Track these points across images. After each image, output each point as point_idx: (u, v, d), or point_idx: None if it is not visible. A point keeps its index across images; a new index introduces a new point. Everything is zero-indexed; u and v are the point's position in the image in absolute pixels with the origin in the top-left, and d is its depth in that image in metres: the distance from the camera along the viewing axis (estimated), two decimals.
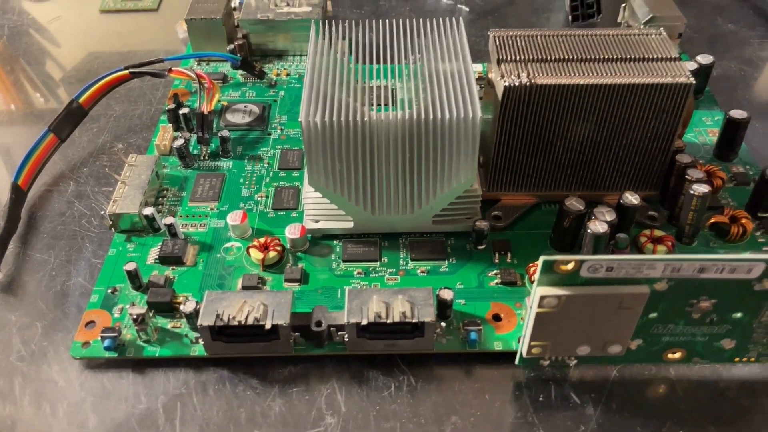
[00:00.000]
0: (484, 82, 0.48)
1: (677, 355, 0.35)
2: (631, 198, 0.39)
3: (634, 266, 0.30)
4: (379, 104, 0.40)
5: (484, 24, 0.66)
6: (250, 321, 0.35)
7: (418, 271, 0.41)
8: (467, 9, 0.68)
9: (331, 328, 0.36)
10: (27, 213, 0.46)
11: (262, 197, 0.46)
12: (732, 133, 0.46)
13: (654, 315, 0.33)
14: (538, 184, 0.43)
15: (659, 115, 0.40)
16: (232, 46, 0.56)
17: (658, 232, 0.41)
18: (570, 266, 0.30)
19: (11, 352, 0.37)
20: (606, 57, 0.40)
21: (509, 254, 0.41)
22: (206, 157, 0.49)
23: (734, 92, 0.56)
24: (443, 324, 0.37)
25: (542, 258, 0.30)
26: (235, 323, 0.35)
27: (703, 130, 0.50)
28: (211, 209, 0.45)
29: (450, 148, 0.38)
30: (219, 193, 0.46)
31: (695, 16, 0.65)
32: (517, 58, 0.40)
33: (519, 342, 0.36)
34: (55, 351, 0.37)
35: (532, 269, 0.40)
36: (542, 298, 0.31)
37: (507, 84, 0.39)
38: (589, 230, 0.37)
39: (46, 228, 0.45)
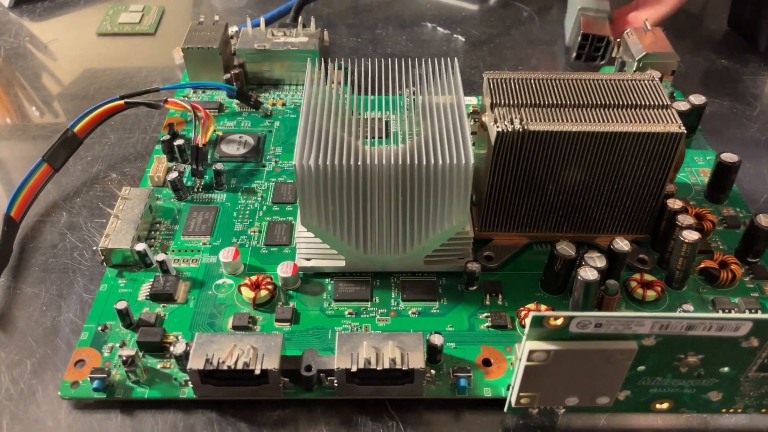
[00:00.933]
0: (478, 117, 0.48)
1: (665, 405, 0.35)
2: (622, 244, 0.40)
3: (622, 323, 0.30)
4: (373, 137, 0.40)
5: (479, 54, 0.66)
6: (239, 365, 0.35)
7: (409, 313, 0.41)
8: (463, 39, 0.68)
9: (321, 373, 0.36)
10: (19, 244, 0.46)
11: (254, 232, 0.46)
12: (723, 176, 0.47)
13: (642, 368, 0.33)
14: (530, 225, 0.44)
15: (650, 162, 0.40)
16: (228, 76, 0.56)
17: (648, 277, 0.42)
18: (559, 322, 0.30)
19: (0, 391, 0.37)
20: (599, 103, 0.41)
21: (500, 296, 0.42)
22: (200, 190, 0.49)
23: (726, 131, 0.56)
24: (432, 371, 0.37)
25: (532, 314, 0.30)
26: (225, 368, 0.35)
27: (695, 170, 0.51)
28: (204, 244, 0.45)
29: (443, 192, 0.38)
30: (212, 228, 0.46)
31: (689, 50, 0.66)
32: (511, 102, 0.41)
33: (508, 389, 0.36)
34: (44, 390, 0.37)
35: (523, 313, 0.40)
36: (531, 352, 0.31)
37: (500, 130, 0.39)
38: (579, 277, 0.38)
39: (37, 260, 0.44)
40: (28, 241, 0.46)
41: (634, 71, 0.56)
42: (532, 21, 0.71)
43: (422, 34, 0.69)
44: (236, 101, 0.57)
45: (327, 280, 0.43)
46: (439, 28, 0.70)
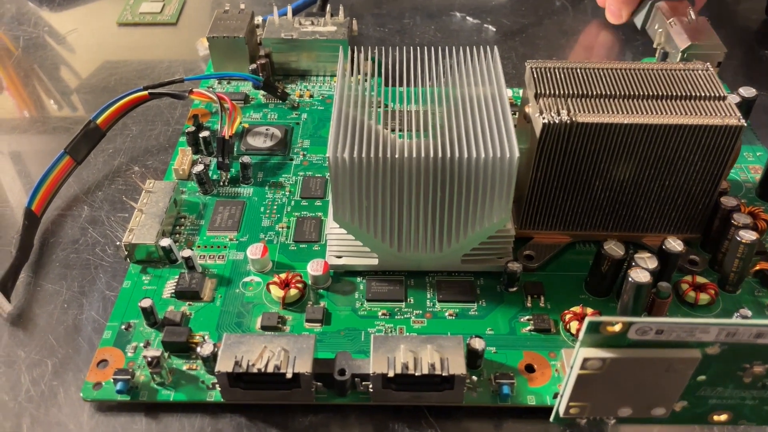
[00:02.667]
0: (515, 110, 0.46)
1: (723, 417, 0.33)
2: (675, 245, 0.37)
3: (686, 330, 0.28)
4: (409, 130, 0.38)
5: (511, 45, 0.64)
6: (270, 368, 0.33)
7: (446, 314, 0.39)
8: (494, 29, 0.66)
9: (355, 378, 0.34)
10: (39, 239, 0.44)
11: (282, 228, 0.44)
12: None
13: (703, 378, 0.31)
14: (573, 223, 0.41)
15: (706, 157, 0.37)
16: (254, 66, 0.54)
17: (700, 279, 0.39)
18: (617, 328, 0.28)
19: (20, 392, 0.36)
20: (650, 94, 0.38)
21: (542, 298, 0.39)
22: (226, 183, 0.47)
23: None
24: (474, 377, 0.35)
25: (588, 319, 0.28)
26: (255, 371, 0.33)
27: (744, 166, 0.48)
28: (230, 240, 0.43)
29: (484, 187, 0.36)
30: (239, 223, 0.44)
31: (727, 40, 0.63)
32: (556, 92, 0.38)
33: (555, 398, 0.34)
34: (65, 391, 0.36)
35: (568, 317, 0.38)
36: (585, 360, 0.29)
37: (546, 121, 0.37)
38: (630, 279, 0.35)
39: (58, 256, 0.43)
40: (48, 235, 0.44)
41: (678, 62, 0.53)
42: (565, 10, 0.69)
43: (451, 23, 0.67)
44: (262, 92, 0.55)
45: (359, 279, 0.41)
46: (468, 18, 0.67)
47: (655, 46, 0.58)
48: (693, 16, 0.56)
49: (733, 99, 0.48)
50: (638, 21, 0.62)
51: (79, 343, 0.38)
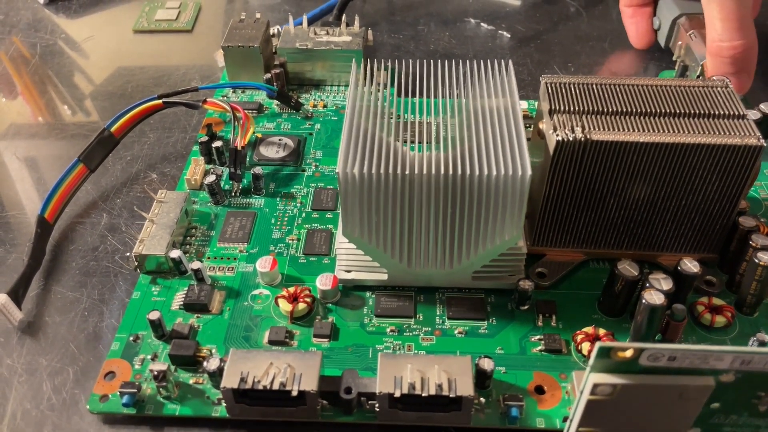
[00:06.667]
0: (530, 123, 0.45)
1: None
2: (691, 266, 0.36)
3: (699, 357, 0.27)
4: (421, 141, 0.38)
5: (526, 51, 0.63)
6: (275, 385, 0.32)
7: (456, 332, 0.38)
8: (508, 35, 0.65)
9: (362, 397, 0.34)
10: (58, 246, 0.44)
11: (293, 240, 0.44)
12: None
13: (716, 405, 0.30)
14: (587, 241, 0.41)
15: (724, 176, 0.37)
16: (268, 75, 0.54)
17: (717, 301, 0.38)
18: (628, 354, 0.27)
19: (42, 400, 0.36)
20: (667, 111, 0.38)
21: (554, 317, 0.39)
22: (237, 194, 0.47)
23: None
24: (482, 399, 0.34)
25: (598, 344, 0.27)
26: (260, 387, 0.32)
27: (765, 183, 0.47)
28: (240, 251, 0.43)
29: (495, 204, 0.35)
30: (249, 234, 0.44)
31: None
32: (571, 108, 0.38)
33: (564, 421, 0.33)
34: (86, 399, 0.35)
35: (579, 337, 0.37)
36: (596, 386, 0.28)
37: (560, 138, 0.36)
38: (644, 301, 0.34)
39: (78, 263, 0.43)
40: (68, 243, 0.45)
41: (698, 76, 0.52)
42: (580, 16, 0.68)
43: (466, 30, 0.66)
44: (276, 102, 0.55)
45: (368, 294, 0.40)
46: (483, 24, 0.67)
47: (675, 59, 0.57)
48: None
49: (754, 115, 0.47)
50: (661, 39, 0.61)
51: (100, 351, 0.38)
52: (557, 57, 0.62)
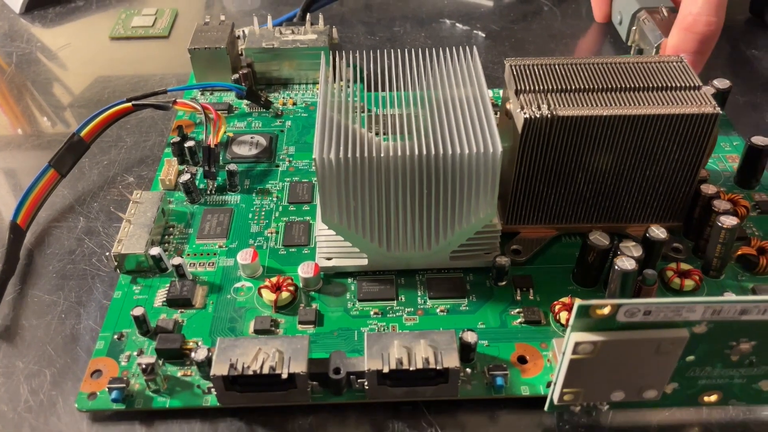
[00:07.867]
0: (500, 110, 0.46)
1: (713, 397, 0.33)
2: (658, 232, 0.38)
3: (673, 309, 0.29)
4: (393, 133, 0.39)
5: (501, 50, 0.64)
6: (265, 370, 0.33)
7: (438, 310, 0.39)
8: (483, 35, 0.67)
9: (351, 376, 0.34)
10: (34, 251, 0.44)
11: (272, 233, 0.44)
12: (754, 160, 0.45)
13: (691, 358, 0.31)
14: (558, 217, 0.42)
15: (684, 146, 0.38)
16: (236, 76, 0.55)
17: (684, 266, 0.40)
18: (606, 311, 0.29)
19: (19, 403, 0.35)
20: (627, 86, 0.39)
21: (531, 291, 0.40)
22: (213, 192, 0.47)
23: (750, 117, 0.55)
24: (468, 370, 0.35)
25: (577, 302, 0.28)
26: (250, 372, 0.33)
27: (722, 156, 0.49)
28: (220, 247, 0.43)
29: (469, 183, 0.36)
30: (227, 230, 0.44)
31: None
32: (536, 88, 0.39)
33: (548, 387, 0.34)
34: (64, 401, 0.35)
35: (557, 307, 0.38)
36: (577, 344, 0.29)
37: (527, 116, 0.37)
38: (616, 267, 0.36)
39: (55, 267, 0.43)
40: (44, 247, 0.44)
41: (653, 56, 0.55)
42: (553, 15, 0.70)
43: (441, 30, 0.67)
44: (246, 102, 0.55)
45: (349, 280, 0.41)
46: (458, 24, 0.68)
47: (630, 44, 0.60)
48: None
49: (708, 90, 0.49)
50: (623, 33, 0.63)
51: (78, 352, 0.38)
52: (531, 55, 0.63)
